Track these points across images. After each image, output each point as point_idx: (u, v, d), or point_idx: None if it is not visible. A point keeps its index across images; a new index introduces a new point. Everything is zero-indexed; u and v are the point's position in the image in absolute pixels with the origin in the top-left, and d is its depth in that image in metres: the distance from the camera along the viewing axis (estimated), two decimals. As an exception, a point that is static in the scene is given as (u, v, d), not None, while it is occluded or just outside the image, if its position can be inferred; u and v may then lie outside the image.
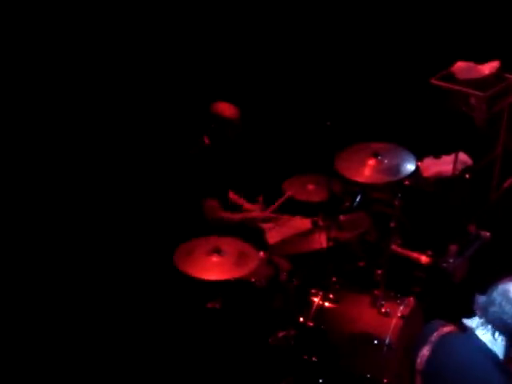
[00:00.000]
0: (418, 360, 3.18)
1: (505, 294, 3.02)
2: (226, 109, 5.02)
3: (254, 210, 5.30)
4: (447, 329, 3.22)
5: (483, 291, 3.12)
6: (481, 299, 3.10)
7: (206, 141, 5.06)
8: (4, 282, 5.41)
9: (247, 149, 6.24)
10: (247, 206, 5.38)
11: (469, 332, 3.11)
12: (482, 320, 3.07)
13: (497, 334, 3.03)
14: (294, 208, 5.29)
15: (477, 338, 3.07)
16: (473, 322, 3.11)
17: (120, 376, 4.95)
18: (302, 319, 4.66)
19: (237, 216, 5.13)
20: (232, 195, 5.36)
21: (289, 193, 5.21)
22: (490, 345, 3.05)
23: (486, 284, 3.13)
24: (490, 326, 3.05)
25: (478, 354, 3.05)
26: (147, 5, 6.32)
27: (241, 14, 6.57)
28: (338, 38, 6.79)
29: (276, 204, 5.24)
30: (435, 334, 3.20)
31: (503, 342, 3.04)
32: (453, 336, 3.19)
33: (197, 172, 4.99)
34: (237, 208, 5.32)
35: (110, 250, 5.77)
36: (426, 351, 3.17)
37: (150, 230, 5.89)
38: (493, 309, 3.04)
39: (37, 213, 5.84)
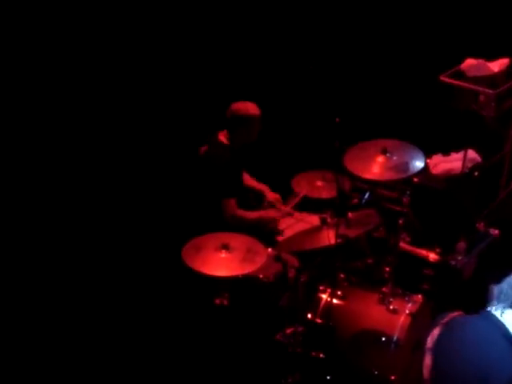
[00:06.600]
0: (429, 339, 3.18)
1: None
2: (250, 108, 5.07)
3: (274, 203, 5.33)
4: (457, 313, 3.22)
5: (498, 282, 3.12)
6: (495, 288, 3.09)
7: (223, 139, 5.08)
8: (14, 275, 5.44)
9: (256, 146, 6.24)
10: (270, 195, 5.40)
11: (480, 312, 3.10)
12: (494, 301, 3.07)
13: (508, 310, 3.03)
14: (303, 205, 5.29)
15: (488, 314, 3.06)
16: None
17: (125, 371, 4.96)
18: (310, 316, 4.67)
19: (254, 214, 5.15)
20: (256, 183, 5.39)
21: (302, 192, 5.24)
22: (503, 321, 3.04)
23: (499, 276, 3.13)
24: (502, 304, 3.05)
25: (490, 330, 3.04)
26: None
27: (246, 11, 6.56)
28: (348, 35, 6.78)
29: (292, 203, 5.27)
30: (446, 318, 3.20)
31: None
32: (463, 317, 3.19)
33: (217, 170, 5.02)
34: (259, 196, 5.34)
35: (119, 246, 5.78)
36: (436, 331, 3.17)
37: (159, 227, 5.90)
38: (506, 290, 3.04)
39: (50, 203, 5.88)
